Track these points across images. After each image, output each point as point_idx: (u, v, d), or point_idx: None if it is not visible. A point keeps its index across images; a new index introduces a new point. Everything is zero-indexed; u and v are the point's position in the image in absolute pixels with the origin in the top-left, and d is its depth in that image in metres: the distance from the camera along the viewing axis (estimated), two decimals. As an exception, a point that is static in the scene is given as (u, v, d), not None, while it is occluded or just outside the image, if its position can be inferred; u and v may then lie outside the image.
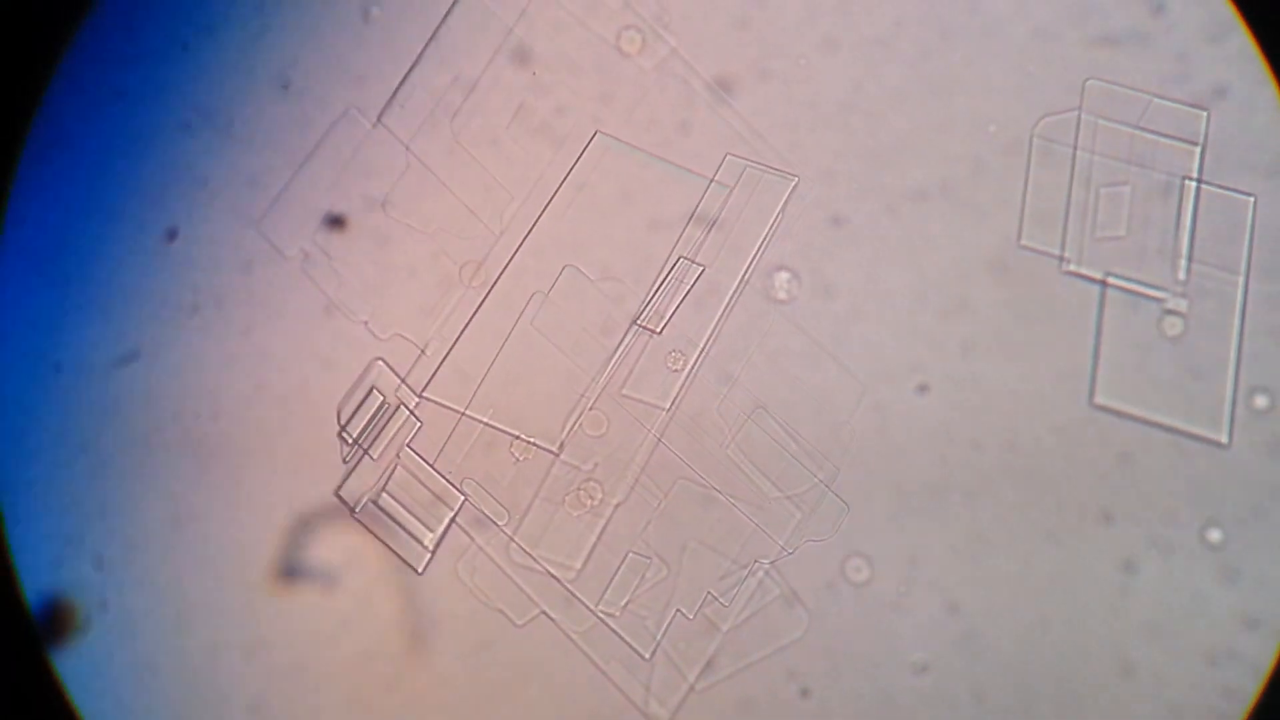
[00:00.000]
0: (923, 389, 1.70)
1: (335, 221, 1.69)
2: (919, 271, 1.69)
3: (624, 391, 1.69)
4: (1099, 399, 1.58)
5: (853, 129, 1.64)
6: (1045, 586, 1.60)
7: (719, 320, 1.71)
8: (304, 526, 1.61)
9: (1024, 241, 1.67)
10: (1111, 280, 1.60)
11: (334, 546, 1.67)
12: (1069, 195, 1.62)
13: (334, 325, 1.72)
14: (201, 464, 1.65)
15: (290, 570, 1.64)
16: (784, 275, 1.69)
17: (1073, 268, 1.62)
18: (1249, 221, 1.55)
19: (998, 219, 1.66)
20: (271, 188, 1.71)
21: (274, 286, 1.71)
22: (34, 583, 1.60)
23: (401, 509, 1.69)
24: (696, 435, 1.69)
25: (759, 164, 1.70)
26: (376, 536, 1.68)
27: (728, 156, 1.70)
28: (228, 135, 1.63)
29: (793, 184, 1.70)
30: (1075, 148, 1.60)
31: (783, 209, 1.70)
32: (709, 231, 1.70)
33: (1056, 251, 1.62)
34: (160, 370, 1.67)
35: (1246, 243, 1.55)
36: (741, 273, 1.71)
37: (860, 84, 1.63)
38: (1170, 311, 1.56)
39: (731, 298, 1.70)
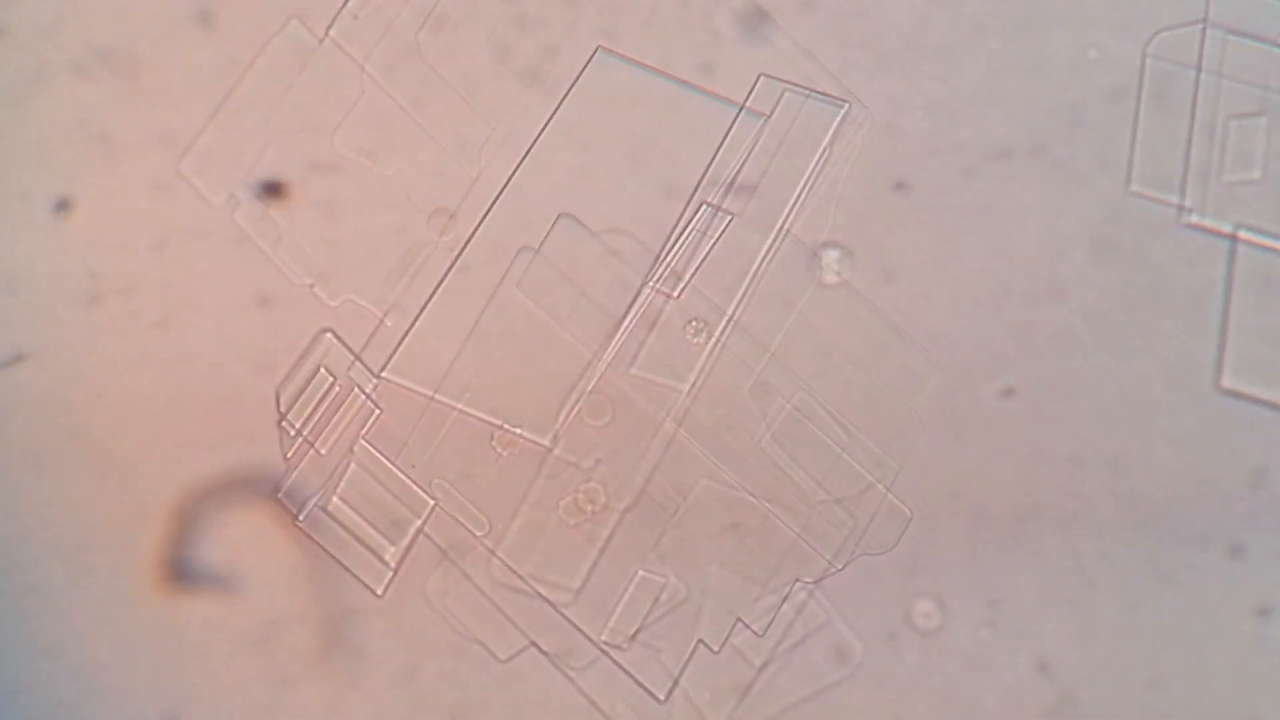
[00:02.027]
0: (1008, 393, 1.59)
1: (272, 189, 1.61)
2: (1003, 248, 1.60)
3: (633, 370, 1.60)
4: (1226, 382, 1.55)
5: (919, 73, 1.61)
6: (1159, 638, 1.55)
7: (751, 281, 1.60)
8: (194, 516, 1.59)
9: (1134, 188, 1.58)
10: (1243, 235, 1.54)
11: (230, 542, 1.61)
12: (1191, 129, 1.56)
13: (272, 316, 1.62)
14: (105, 489, 1.60)
15: (182, 572, 1.59)
16: (834, 253, 1.60)
17: (1195, 220, 1.56)
18: None
19: (1101, 183, 1.59)
20: (188, 142, 1.63)
21: (194, 269, 1.62)
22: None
23: (357, 516, 1.59)
24: (724, 424, 1.60)
25: (802, 87, 1.62)
26: (326, 550, 1.60)
27: (762, 78, 1.62)
28: (133, 80, 1.61)
29: (843, 111, 1.61)
30: (1199, 69, 1.55)
31: (831, 142, 1.61)
32: (738, 171, 1.61)
33: (1174, 200, 1.57)
34: (51, 374, 1.60)
35: None
36: (780, 221, 1.61)
37: (928, 17, 1.60)
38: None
39: (768, 252, 1.60)
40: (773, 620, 1.59)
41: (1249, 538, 1.55)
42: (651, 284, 1.61)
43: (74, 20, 1.62)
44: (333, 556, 1.60)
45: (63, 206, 1.62)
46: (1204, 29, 1.56)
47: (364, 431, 1.61)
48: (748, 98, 1.63)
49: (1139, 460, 1.58)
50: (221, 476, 1.60)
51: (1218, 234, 1.56)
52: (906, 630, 1.61)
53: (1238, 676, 1.55)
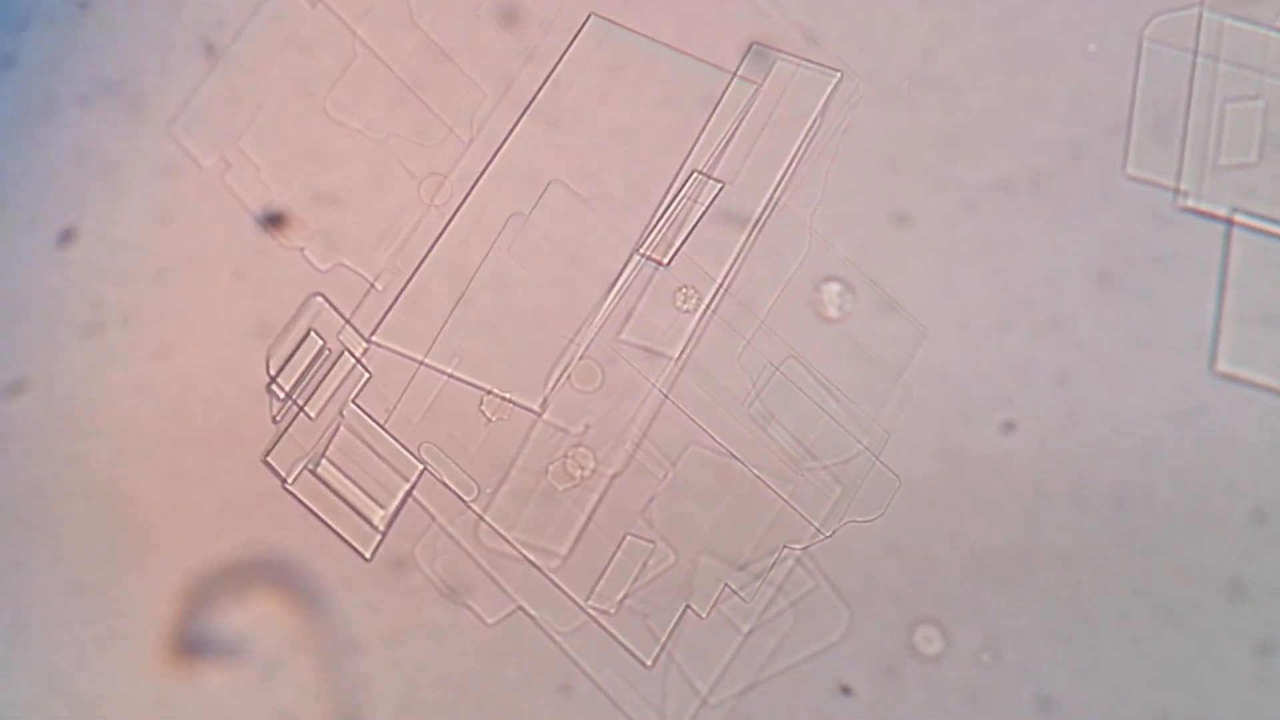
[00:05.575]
0: (1008, 427, 1.58)
1: (274, 220, 1.61)
2: (1003, 282, 1.59)
3: (623, 337, 1.60)
4: (1221, 366, 1.54)
5: (921, 107, 1.60)
6: (1160, 675, 1.53)
7: (742, 250, 1.59)
8: (203, 592, 1.57)
9: (1130, 171, 1.56)
10: (1239, 218, 1.53)
11: (238, 610, 1.60)
12: (1187, 113, 1.54)
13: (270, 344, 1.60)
14: (105, 517, 1.58)
15: (191, 645, 1.58)
16: (835, 287, 1.59)
17: (1191, 203, 1.54)
18: None
19: (1101, 216, 1.58)
20: (192, 173, 1.62)
21: (196, 299, 1.62)
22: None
23: (345, 480, 1.59)
24: (712, 391, 1.58)
25: (794, 56, 1.61)
26: (314, 513, 1.59)
27: (754, 46, 1.61)
28: (137, 112, 1.60)
29: (835, 79, 1.61)
30: (1195, 53, 1.53)
31: (823, 110, 1.60)
32: (730, 139, 1.59)
33: (1171, 183, 1.55)
34: (53, 402, 1.59)
35: None
36: (771, 189, 1.60)
37: (931, 52, 1.59)
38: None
39: (758, 221, 1.59)
40: (760, 585, 1.58)
41: (1250, 575, 1.55)
42: (642, 251, 1.60)
43: (80, 52, 1.63)
44: (322, 520, 1.59)
45: (66, 236, 1.61)
46: (1201, 13, 1.56)
47: (353, 395, 1.60)
48: (740, 65, 1.63)
49: (1139, 496, 1.57)
50: (229, 565, 1.60)
51: (1214, 217, 1.55)
52: (907, 664, 1.60)
53: (1239, 714, 1.54)
